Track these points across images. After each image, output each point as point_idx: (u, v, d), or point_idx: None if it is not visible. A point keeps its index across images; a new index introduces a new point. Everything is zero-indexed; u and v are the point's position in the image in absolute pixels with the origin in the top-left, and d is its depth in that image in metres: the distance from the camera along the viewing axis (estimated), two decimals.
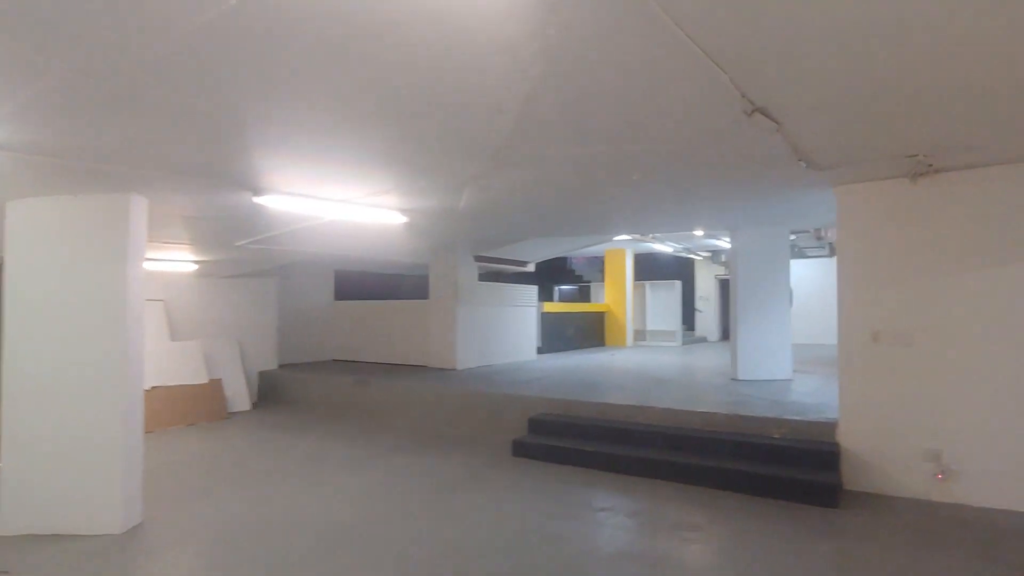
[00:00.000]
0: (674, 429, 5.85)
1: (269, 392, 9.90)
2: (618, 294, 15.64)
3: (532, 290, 11.80)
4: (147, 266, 4.96)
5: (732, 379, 8.38)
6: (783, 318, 8.44)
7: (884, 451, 5.00)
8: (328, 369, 10.38)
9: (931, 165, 4.57)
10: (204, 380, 8.67)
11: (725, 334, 17.68)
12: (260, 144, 3.62)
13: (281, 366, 10.44)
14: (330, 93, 2.85)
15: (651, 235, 12.57)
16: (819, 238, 11.47)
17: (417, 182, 4.63)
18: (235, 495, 5.17)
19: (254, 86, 2.72)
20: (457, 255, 9.94)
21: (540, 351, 12.91)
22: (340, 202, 5.05)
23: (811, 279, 15.15)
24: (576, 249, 12.09)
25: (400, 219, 5.73)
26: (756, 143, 3.83)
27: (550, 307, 13.34)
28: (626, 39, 2.35)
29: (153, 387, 7.88)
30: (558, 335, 13.75)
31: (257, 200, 4.69)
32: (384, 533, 4.24)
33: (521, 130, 3.44)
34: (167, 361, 8.43)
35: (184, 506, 4.92)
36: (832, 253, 14.28)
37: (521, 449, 6.18)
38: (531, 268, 12.23)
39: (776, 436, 5.46)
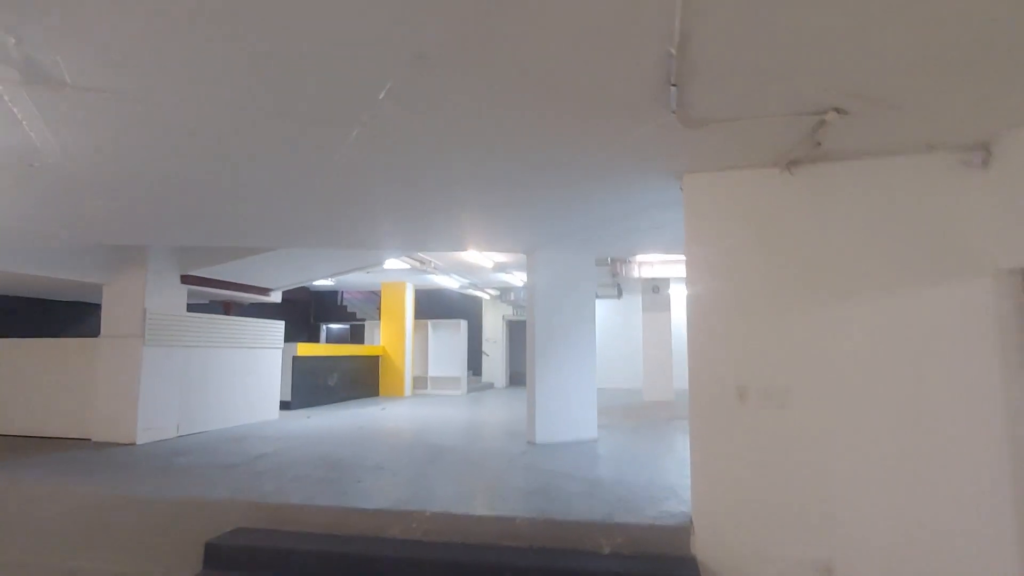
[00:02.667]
0: (456, 549, 3.59)
1: None
2: (396, 334, 13.27)
3: (276, 326, 8.87)
4: None
5: (529, 443, 6.50)
6: (588, 366, 6.87)
7: (759, 567, 3.32)
8: None
9: (820, 143, 3.14)
10: None
11: (513, 379, 16.33)
12: None
13: None
14: None
15: (433, 265, 10.58)
16: (614, 274, 10.54)
17: None
18: None
19: None
20: (148, 272, 6.72)
21: (290, 406, 9.92)
22: None
23: (602, 321, 14.46)
24: (337, 274, 9.54)
25: None
26: (634, 44, 1.89)
27: (305, 349, 10.44)
28: None
29: None
30: (316, 385, 10.85)
31: None
32: None
33: None
34: None
35: None
36: (620, 294, 13.76)
37: None
38: (275, 298, 9.31)
39: (606, 552, 3.52)
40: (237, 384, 8.06)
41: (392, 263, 9.69)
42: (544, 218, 5.15)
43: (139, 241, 5.89)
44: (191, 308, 7.82)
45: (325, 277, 9.75)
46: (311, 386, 10.68)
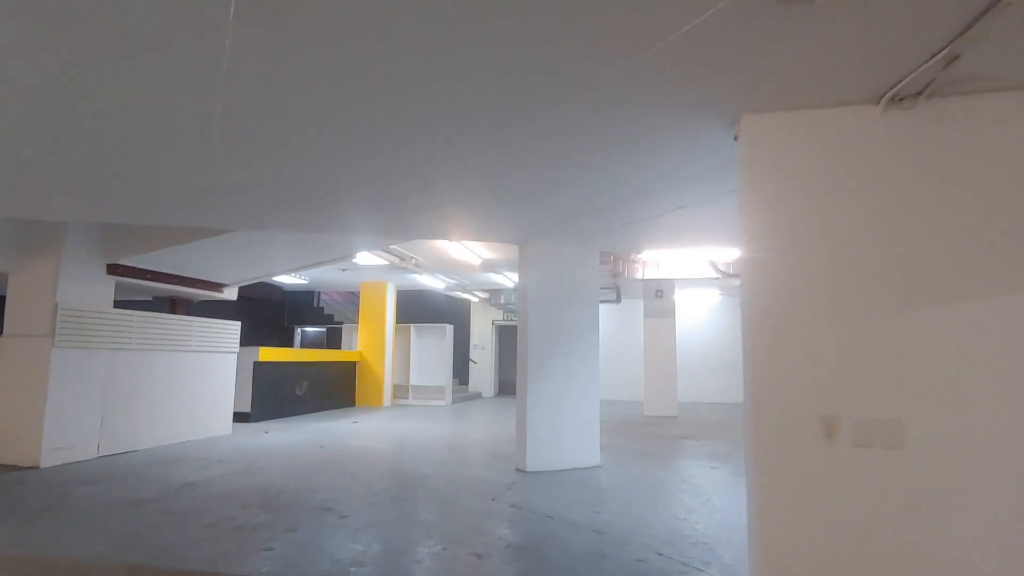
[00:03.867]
0: None
1: None
2: (375, 339, 12.16)
3: (230, 328, 7.73)
4: None
5: (518, 471, 5.41)
6: (590, 380, 5.80)
7: None
8: None
9: (958, 56, 2.10)
10: None
11: (502, 389, 15.26)
12: None
13: None
14: None
15: (415, 262, 9.50)
16: (615, 275, 9.50)
17: None
18: None
19: None
20: (63, 259, 5.58)
21: (250, 419, 8.79)
22: None
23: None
24: (301, 268, 8.42)
25: None
26: None
27: (268, 354, 9.31)
28: None
29: None
30: (281, 395, 9.72)
31: None
32: None
33: None
34: None
35: None
36: (619, 298, 12.72)
37: None
38: (229, 295, 8.17)
39: None
40: (179, 394, 6.91)
41: (368, 258, 8.59)
42: (539, 194, 4.08)
43: (35, 215, 4.76)
44: (127, 305, 6.70)
45: (288, 272, 8.61)
46: (276, 396, 9.54)
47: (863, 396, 2.34)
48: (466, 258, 9.05)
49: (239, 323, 7.90)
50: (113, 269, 6.05)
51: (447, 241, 7.49)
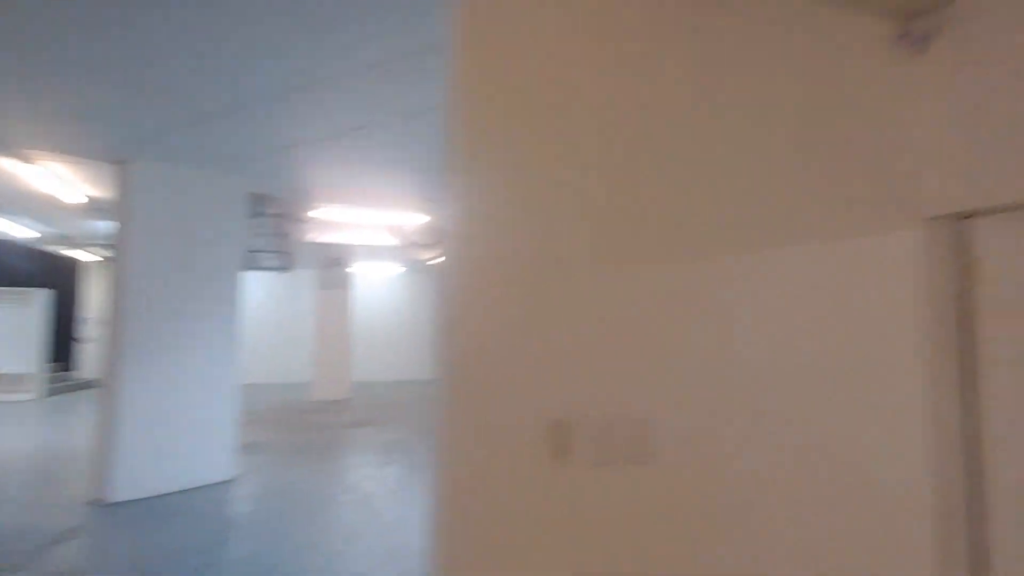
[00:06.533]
0: None
1: None
2: None
3: None
4: None
5: (94, 503, 3.59)
6: (226, 363, 4.27)
7: None
8: None
9: None
10: None
11: None
12: None
13: None
14: None
15: None
16: (282, 236, 7.86)
17: None
18: None
19: None
20: None
21: None
22: None
23: (263, 300, 11.53)
24: None
25: None
26: None
27: None
28: None
29: None
30: None
31: None
32: None
33: None
34: None
35: None
36: (287, 267, 10.99)
37: None
38: None
39: None
40: None
41: None
42: (137, 61, 2.46)
43: None
44: None
45: None
46: None
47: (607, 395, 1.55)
48: (58, 193, 6.32)
49: None
50: None
51: (21, 163, 4.91)
